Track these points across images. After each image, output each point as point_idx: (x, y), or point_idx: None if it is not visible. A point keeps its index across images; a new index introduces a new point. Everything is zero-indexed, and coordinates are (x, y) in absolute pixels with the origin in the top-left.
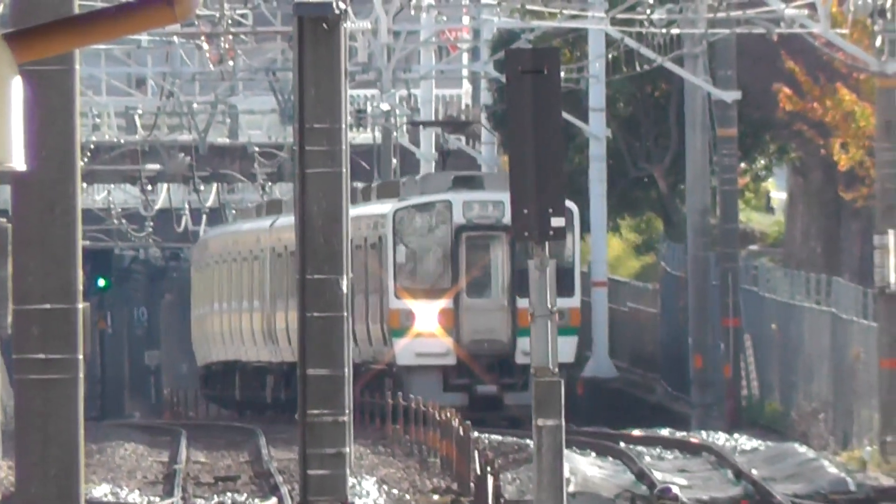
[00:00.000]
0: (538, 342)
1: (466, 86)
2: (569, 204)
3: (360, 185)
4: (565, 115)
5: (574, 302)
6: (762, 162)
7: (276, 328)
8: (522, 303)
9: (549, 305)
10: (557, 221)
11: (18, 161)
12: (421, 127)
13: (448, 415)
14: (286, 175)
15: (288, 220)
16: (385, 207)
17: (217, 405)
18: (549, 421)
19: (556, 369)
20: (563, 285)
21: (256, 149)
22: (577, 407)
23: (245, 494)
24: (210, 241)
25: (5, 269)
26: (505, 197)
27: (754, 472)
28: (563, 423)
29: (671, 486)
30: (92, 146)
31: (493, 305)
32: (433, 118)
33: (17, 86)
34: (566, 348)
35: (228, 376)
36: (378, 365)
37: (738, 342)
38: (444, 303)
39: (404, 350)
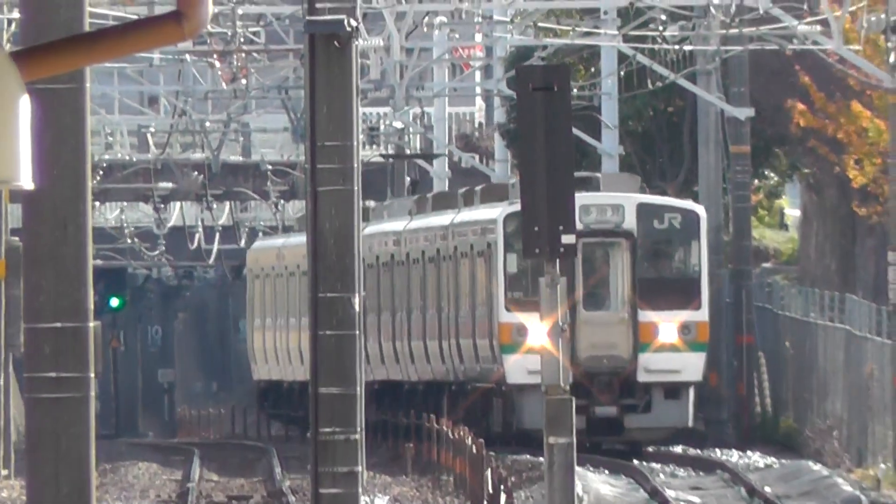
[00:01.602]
0: (548, 359)
1: (480, 103)
2: (694, 206)
3: (462, 189)
4: (578, 132)
5: (702, 315)
6: (775, 178)
7: (367, 345)
8: (645, 315)
9: (560, 322)
10: (568, 239)
11: (26, 179)
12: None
13: (462, 433)
14: (299, 193)
15: (378, 227)
16: (494, 212)
17: (282, 423)
18: (561, 439)
19: (567, 387)
20: (689, 297)
21: (269, 167)
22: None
23: None
24: (274, 248)
25: (18, 287)
26: (625, 199)
27: (768, 489)
28: (574, 440)
29: None
30: (105, 164)
31: (612, 318)
32: (446, 136)
33: (24, 104)
34: (694, 365)
35: (293, 394)
36: (486, 384)
37: (751, 359)
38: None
39: (515, 367)
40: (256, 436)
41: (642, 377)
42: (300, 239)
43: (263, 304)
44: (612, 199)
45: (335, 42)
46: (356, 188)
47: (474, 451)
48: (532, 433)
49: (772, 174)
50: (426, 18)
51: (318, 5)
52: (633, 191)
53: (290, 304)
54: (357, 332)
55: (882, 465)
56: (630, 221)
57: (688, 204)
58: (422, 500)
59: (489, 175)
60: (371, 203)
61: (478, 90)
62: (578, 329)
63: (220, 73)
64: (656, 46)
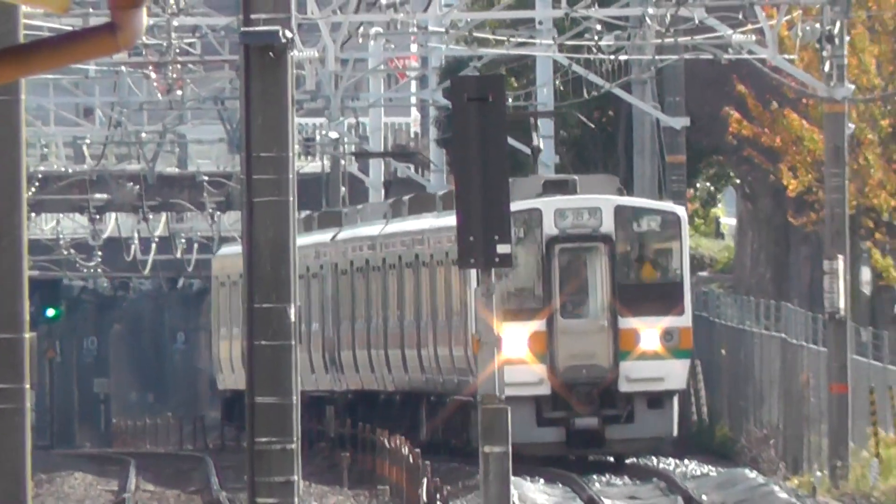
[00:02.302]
0: (485, 368)
1: (415, 114)
2: (674, 208)
3: (441, 192)
4: (513, 141)
5: (684, 321)
6: (708, 186)
7: (341, 354)
8: (625, 322)
9: (496, 332)
10: (503, 248)
11: None
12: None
13: (398, 442)
14: (235, 204)
15: (353, 232)
16: None
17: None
18: (497, 448)
19: (503, 396)
20: (672, 302)
21: (205, 178)
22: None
23: None
24: (241, 255)
25: None
26: (603, 202)
27: (704, 497)
28: (510, 449)
29: None
30: (40, 176)
31: (591, 326)
32: (381, 146)
33: None
34: (677, 372)
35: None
36: (462, 396)
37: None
38: (535, 325)
39: None
40: (192, 446)
41: (624, 386)
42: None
43: (230, 312)
44: (589, 203)
45: (270, 53)
46: (292, 199)
47: (411, 460)
48: (511, 447)
49: (706, 183)
50: (361, 29)
51: (253, 16)
52: (611, 193)
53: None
54: (293, 343)
55: (818, 473)
56: (608, 225)
57: (668, 205)
58: None
59: (424, 185)
60: (345, 209)
61: (413, 100)
62: (556, 338)
63: (155, 84)
64: (591, 56)
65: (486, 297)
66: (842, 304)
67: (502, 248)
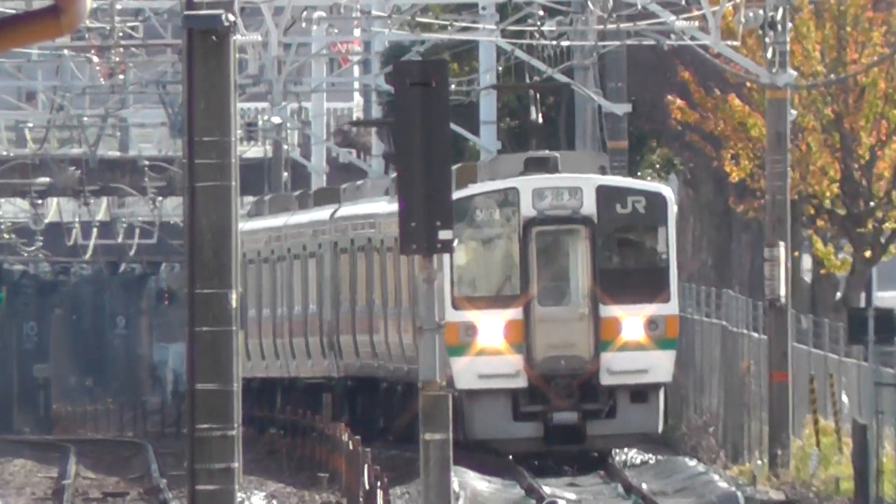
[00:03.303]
0: (426, 354)
1: (357, 98)
2: (660, 188)
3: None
4: (456, 127)
5: (670, 308)
6: (650, 172)
7: (341, 339)
8: (607, 310)
9: (438, 319)
10: (445, 234)
11: None
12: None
13: (338, 429)
14: (177, 189)
15: (354, 209)
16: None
17: (255, 428)
18: (437, 435)
19: (444, 383)
20: (657, 289)
21: (147, 162)
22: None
23: None
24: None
25: None
26: (584, 181)
27: (644, 486)
28: (451, 436)
29: (558, 499)
30: None
31: (571, 315)
32: (324, 132)
33: None
34: (662, 364)
35: (269, 394)
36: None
37: None
38: (511, 313)
39: (464, 371)
40: (133, 432)
41: (605, 379)
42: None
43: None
44: (569, 182)
45: (213, 37)
46: (234, 184)
47: (351, 447)
48: (486, 444)
49: (648, 170)
50: (304, 13)
51: (195, 0)
52: (594, 171)
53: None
54: (234, 329)
55: (758, 461)
56: (589, 206)
57: (654, 186)
58: (298, 497)
59: (366, 171)
60: (344, 185)
61: (356, 85)
62: (533, 327)
63: (98, 68)
64: (534, 42)
65: (428, 284)
66: (782, 292)
67: (444, 234)
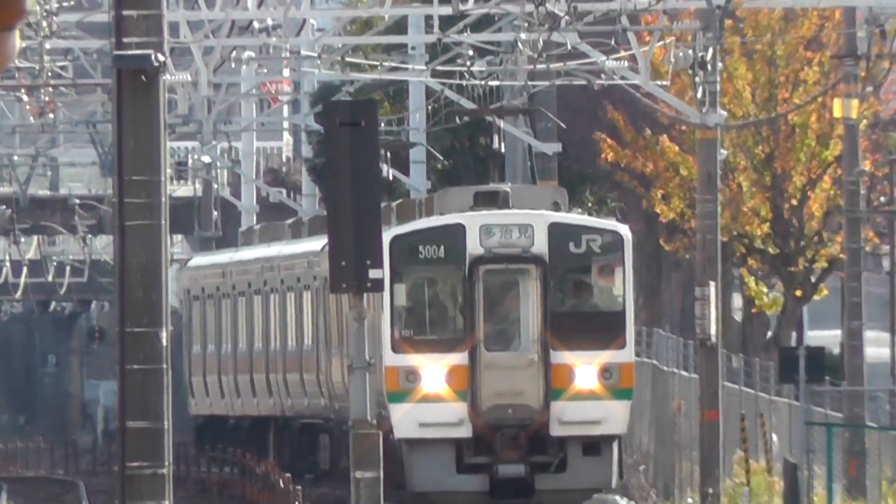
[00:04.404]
0: (356, 393)
1: (287, 138)
2: (617, 226)
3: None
4: (391, 168)
5: (626, 355)
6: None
7: (332, 378)
8: (559, 356)
9: (367, 357)
10: (375, 273)
11: None
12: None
13: (268, 468)
14: (107, 227)
15: (297, 247)
16: (385, 235)
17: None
18: (368, 473)
19: (375, 421)
20: (612, 334)
21: (77, 201)
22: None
23: None
24: (214, 267)
25: None
26: (535, 218)
27: None
28: (381, 475)
29: None
30: None
31: (519, 360)
32: (253, 171)
33: None
34: (617, 415)
35: (259, 433)
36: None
37: None
38: (456, 357)
39: (405, 419)
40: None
41: (556, 430)
42: (294, 248)
43: (204, 330)
44: (519, 219)
45: (142, 77)
46: (164, 223)
47: (281, 485)
48: (428, 496)
49: (578, 209)
50: (234, 53)
51: (125, 40)
52: (548, 207)
53: (236, 330)
54: (164, 367)
55: (689, 500)
56: (541, 244)
57: (609, 224)
58: None
59: (297, 210)
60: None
61: (285, 125)
62: (480, 373)
63: (27, 107)
64: (464, 82)
65: (359, 322)
66: (713, 331)
67: (374, 274)
